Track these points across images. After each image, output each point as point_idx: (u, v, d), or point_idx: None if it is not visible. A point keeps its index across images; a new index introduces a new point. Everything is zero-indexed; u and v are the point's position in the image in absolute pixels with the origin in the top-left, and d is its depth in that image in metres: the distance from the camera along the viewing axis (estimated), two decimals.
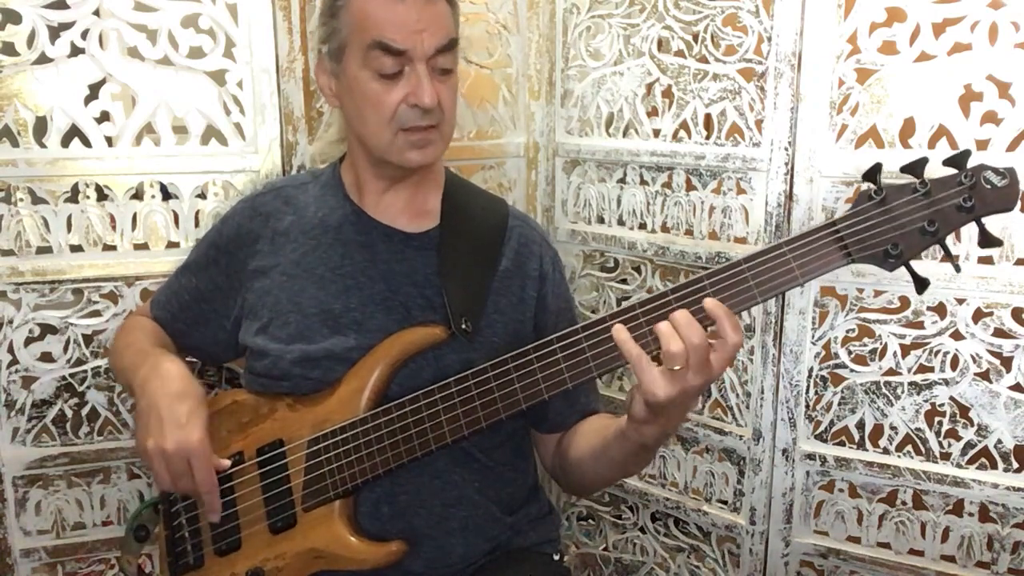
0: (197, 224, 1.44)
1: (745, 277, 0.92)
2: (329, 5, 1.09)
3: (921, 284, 0.93)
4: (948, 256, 0.92)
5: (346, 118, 1.14)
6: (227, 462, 1.07)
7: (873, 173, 0.91)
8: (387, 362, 1.06)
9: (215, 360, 1.27)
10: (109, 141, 1.39)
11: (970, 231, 1.23)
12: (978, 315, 1.28)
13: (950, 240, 0.93)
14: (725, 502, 1.53)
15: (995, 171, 0.89)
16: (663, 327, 0.88)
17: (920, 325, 1.33)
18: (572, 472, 1.16)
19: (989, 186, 0.89)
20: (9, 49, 1.32)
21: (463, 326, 1.08)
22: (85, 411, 1.45)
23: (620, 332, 0.91)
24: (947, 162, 0.91)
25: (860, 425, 1.39)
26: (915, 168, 0.90)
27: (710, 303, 0.89)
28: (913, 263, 0.92)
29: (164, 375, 1.06)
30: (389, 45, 1.03)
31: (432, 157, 1.11)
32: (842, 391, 1.40)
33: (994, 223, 0.92)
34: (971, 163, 0.90)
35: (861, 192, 0.92)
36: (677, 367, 0.87)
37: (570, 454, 1.15)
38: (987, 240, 0.91)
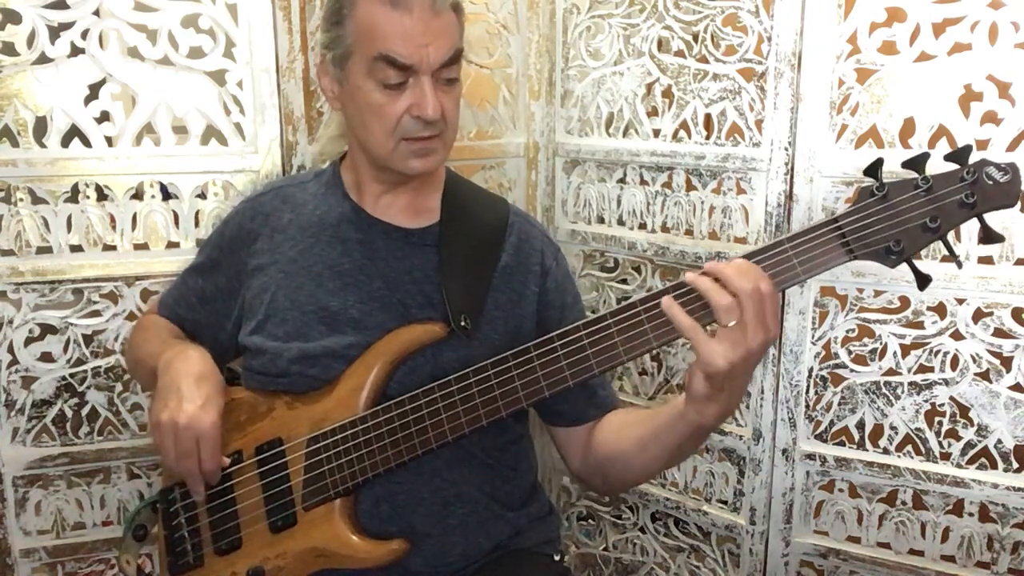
0: (197, 224, 1.45)
1: None
2: (334, 12, 1.07)
3: (923, 280, 0.92)
4: (950, 252, 0.91)
5: (348, 122, 1.14)
6: (227, 460, 1.07)
7: (875, 169, 0.91)
8: (386, 360, 1.06)
9: (217, 361, 1.27)
10: (109, 141, 1.40)
11: (970, 231, 1.25)
12: (978, 315, 1.28)
13: (950, 239, 0.92)
14: (725, 502, 1.53)
15: (997, 167, 0.88)
16: (703, 282, 0.87)
17: (920, 325, 1.33)
18: (611, 467, 1.12)
19: (991, 182, 0.88)
20: (9, 49, 1.32)
21: (462, 323, 1.08)
22: (85, 411, 1.45)
23: (671, 306, 0.89)
24: (948, 158, 0.90)
25: (860, 425, 1.39)
26: (917, 164, 0.90)
27: (732, 266, 0.87)
28: (914, 261, 0.91)
29: (188, 358, 1.08)
30: (395, 59, 1.02)
31: (434, 165, 1.11)
32: (842, 391, 1.40)
33: (993, 223, 0.91)
34: (972, 160, 0.90)
35: (863, 188, 0.91)
36: (732, 322, 0.85)
37: (609, 448, 1.12)
38: (989, 236, 0.90)
